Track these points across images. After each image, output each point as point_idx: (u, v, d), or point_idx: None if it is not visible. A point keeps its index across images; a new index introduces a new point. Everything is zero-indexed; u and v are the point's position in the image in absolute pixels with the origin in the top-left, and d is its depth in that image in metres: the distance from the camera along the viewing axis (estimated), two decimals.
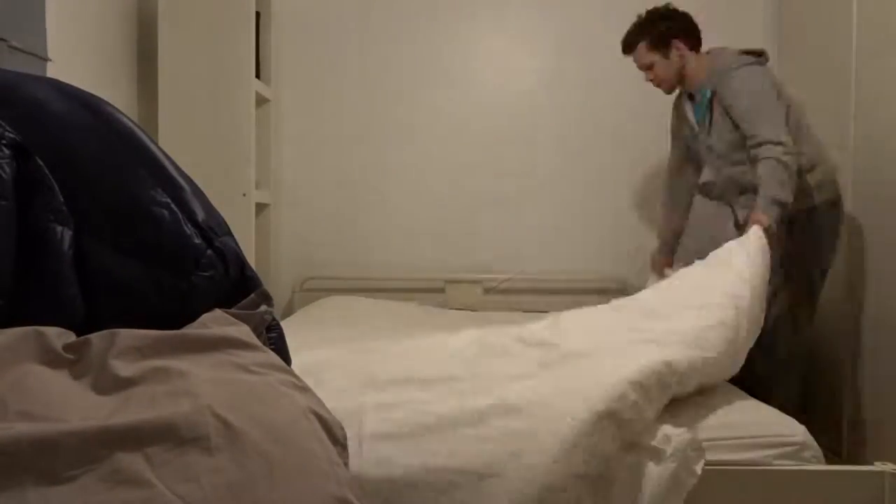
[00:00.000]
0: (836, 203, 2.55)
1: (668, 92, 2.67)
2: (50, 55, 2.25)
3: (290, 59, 3.52)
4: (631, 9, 3.51)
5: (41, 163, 0.98)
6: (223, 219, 1.10)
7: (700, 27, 3.52)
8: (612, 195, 3.54)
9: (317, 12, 3.53)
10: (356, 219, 3.55)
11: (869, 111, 2.70)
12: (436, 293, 3.47)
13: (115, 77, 2.97)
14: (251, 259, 3.02)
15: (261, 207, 3.30)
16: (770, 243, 2.11)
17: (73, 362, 0.96)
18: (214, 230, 1.06)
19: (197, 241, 1.04)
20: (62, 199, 1.00)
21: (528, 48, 3.57)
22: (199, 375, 0.91)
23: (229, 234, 1.09)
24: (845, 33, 2.83)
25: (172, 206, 1.03)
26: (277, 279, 3.52)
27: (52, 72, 2.28)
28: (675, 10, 2.60)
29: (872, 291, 2.66)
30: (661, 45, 2.53)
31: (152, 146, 1.06)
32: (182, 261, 1.04)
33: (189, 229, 1.03)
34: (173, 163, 1.07)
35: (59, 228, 0.99)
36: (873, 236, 2.65)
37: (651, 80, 2.63)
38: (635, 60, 2.62)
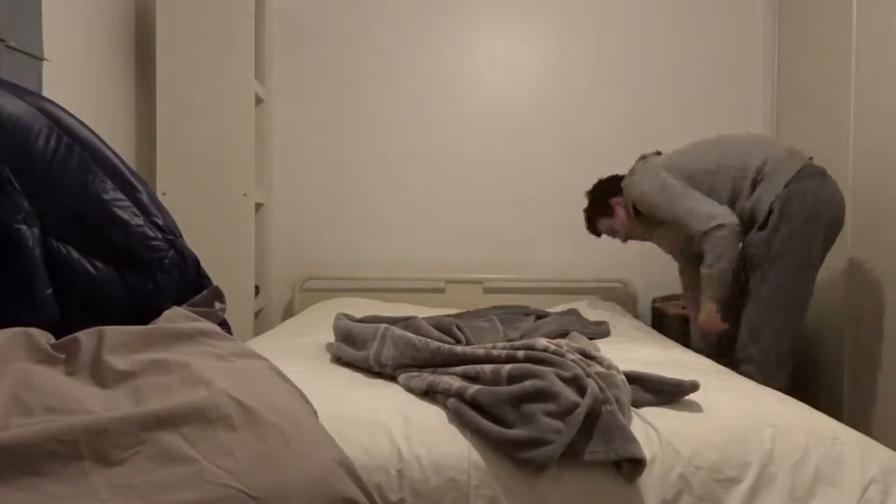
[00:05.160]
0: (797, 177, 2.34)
1: (644, 238, 2.82)
2: (47, 55, 2.26)
3: (286, 59, 3.52)
4: (631, 8, 3.54)
5: (3, 164, 1.00)
6: (175, 221, 1.16)
7: (699, 26, 3.55)
8: None
9: (312, 12, 3.53)
10: (356, 219, 3.55)
11: (869, 112, 2.69)
12: (436, 293, 3.47)
13: (113, 77, 2.98)
14: (252, 259, 3.03)
15: (257, 207, 3.30)
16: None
17: (63, 360, 0.99)
18: (173, 232, 1.12)
19: (160, 243, 1.09)
20: (27, 201, 1.02)
21: (529, 47, 3.57)
22: (201, 364, 0.98)
23: (182, 236, 1.15)
24: (845, 34, 2.83)
25: (135, 209, 1.07)
26: (278, 279, 3.53)
27: (50, 72, 2.29)
28: (599, 182, 2.86)
29: (873, 294, 2.65)
30: (605, 210, 2.80)
31: (107, 150, 1.09)
32: (148, 262, 1.09)
33: (153, 232, 1.08)
34: (128, 166, 1.11)
35: (26, 230, 1.02)
36: (873, 237, 2.65)
37: (624, 240, 2.87)
38: (605, 231, 2.87)
